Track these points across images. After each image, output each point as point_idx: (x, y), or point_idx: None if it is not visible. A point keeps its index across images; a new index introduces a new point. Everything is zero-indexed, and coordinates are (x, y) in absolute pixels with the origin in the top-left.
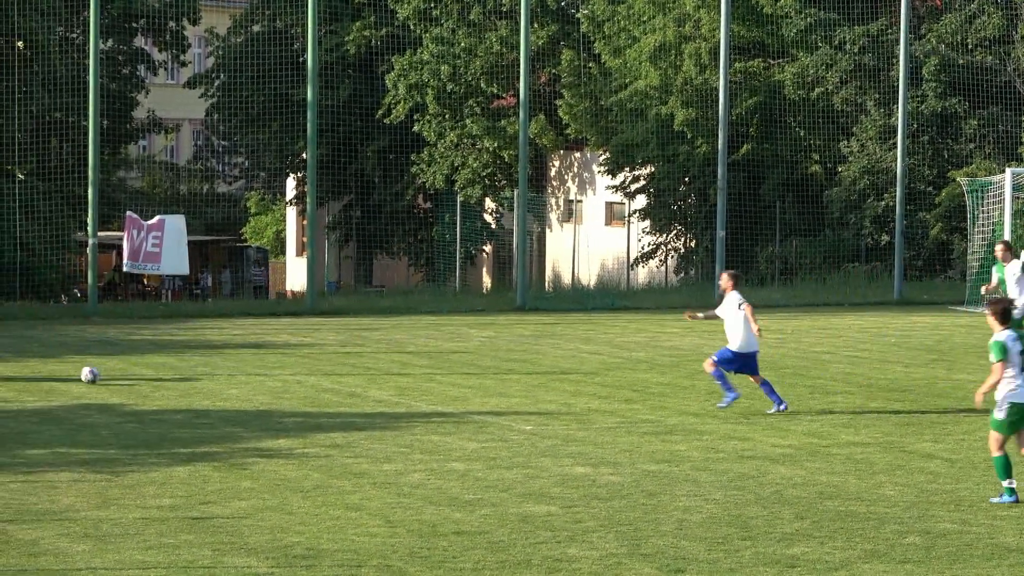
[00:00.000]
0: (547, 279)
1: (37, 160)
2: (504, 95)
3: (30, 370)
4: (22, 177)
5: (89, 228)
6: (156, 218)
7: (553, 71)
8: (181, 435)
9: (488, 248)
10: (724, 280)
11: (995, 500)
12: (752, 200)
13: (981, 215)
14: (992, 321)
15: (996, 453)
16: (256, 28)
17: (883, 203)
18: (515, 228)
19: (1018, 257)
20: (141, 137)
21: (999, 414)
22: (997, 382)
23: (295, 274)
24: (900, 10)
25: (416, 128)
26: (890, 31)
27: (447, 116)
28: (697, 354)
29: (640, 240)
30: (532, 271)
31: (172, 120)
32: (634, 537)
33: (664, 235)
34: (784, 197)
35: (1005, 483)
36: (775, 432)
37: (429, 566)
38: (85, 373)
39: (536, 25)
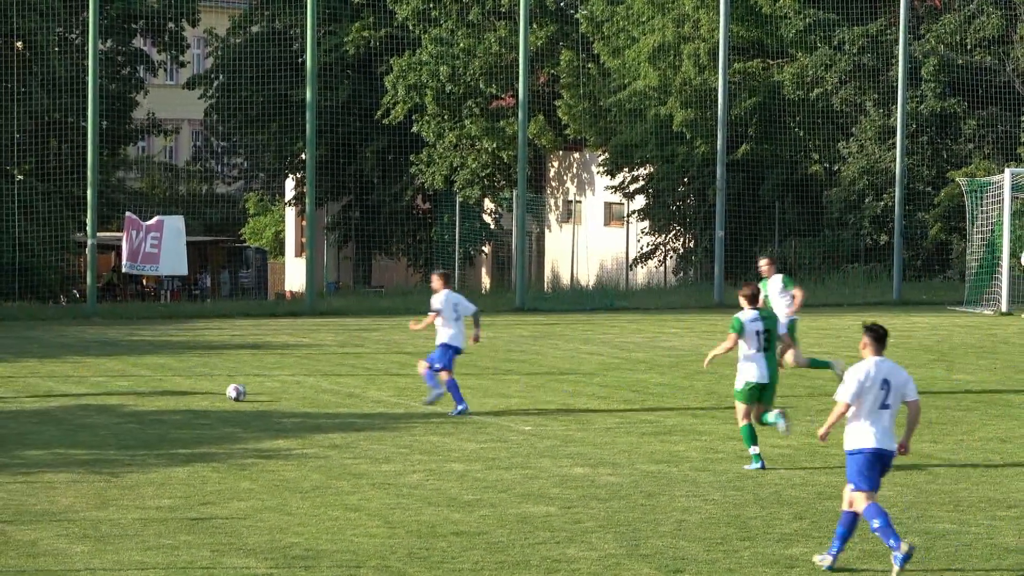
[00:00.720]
0: (546, 279)
1: (36, 161)
2: (503, 96)
3: (29, 371)
4: (21, 177)
5: (88, 229)
6: (155, 219)
7: (552, 71)
8: (180, 436)
9: (487, 249)
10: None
11: (746, 468)
12: (751, 200)
13: (980, 215)
14: (743, 301)
15: (741, 423)
16: (255, 29)
17: (882, 203)
18: (514, 228)
19: (780, 272)
20: (140, 138)
21: (739, 386)
22: (728, 350)
23: (294, 275)
24: (899, 10)
25: (415, 129)
26: (889, 31)
27: (446, 117)
28: (696, 354)
29: (639, 240)
30: (531, 271)
31: (171, 121)
32: (633, 537)
33: (663, 235)
34: (783, 197)
35: (751, 450)
36: (774, 433)
37: (428, 567)
38: (230, 391)
39: (535, 25)
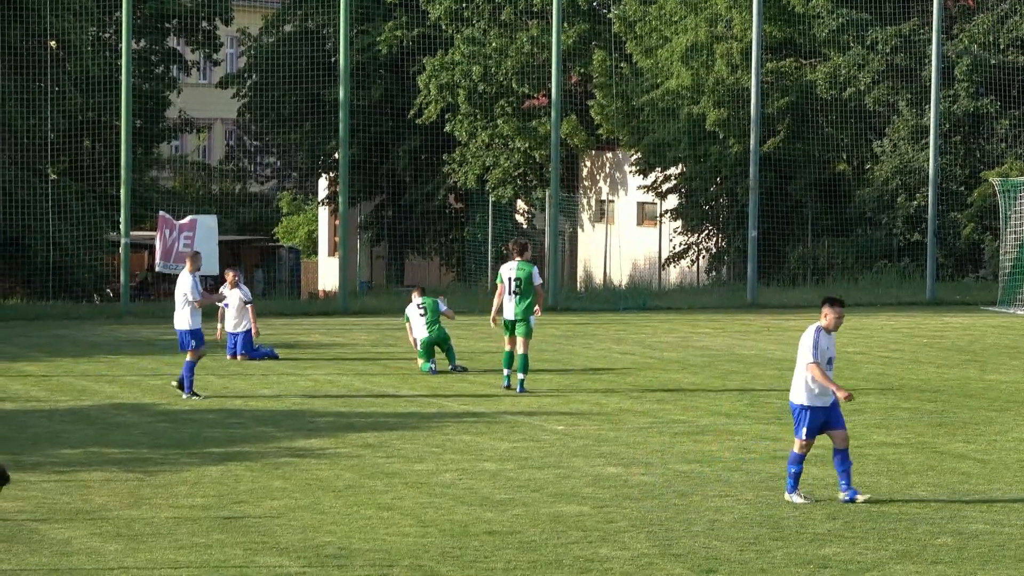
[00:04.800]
0: (579, 279)
1: (70, 160)
2: (535, 95)
3: (63, 369)
4: (55, 177)
5: (121, 228)
6: (188, 218)
7: (584, 71)
8: (213, 435)
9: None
10: None
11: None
12: (783, 200)
13: (1013, 215)
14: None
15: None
16: (288, 28)
17: (915, 203)
18: (547, 228)
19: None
20: (173, 137)
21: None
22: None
23: (327, 274)
24: (932, 10)
25: (448, 128)
26: (922, 31)
27: (478, 116)
28: (729, 354)
29: (672, 240)
30: (564, 271)
31: (204, 120)
32: (665, 537)
33: (695, 235)
34: (816, 197)
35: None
36: None
37: (461, 566)
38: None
39: (567, 25)
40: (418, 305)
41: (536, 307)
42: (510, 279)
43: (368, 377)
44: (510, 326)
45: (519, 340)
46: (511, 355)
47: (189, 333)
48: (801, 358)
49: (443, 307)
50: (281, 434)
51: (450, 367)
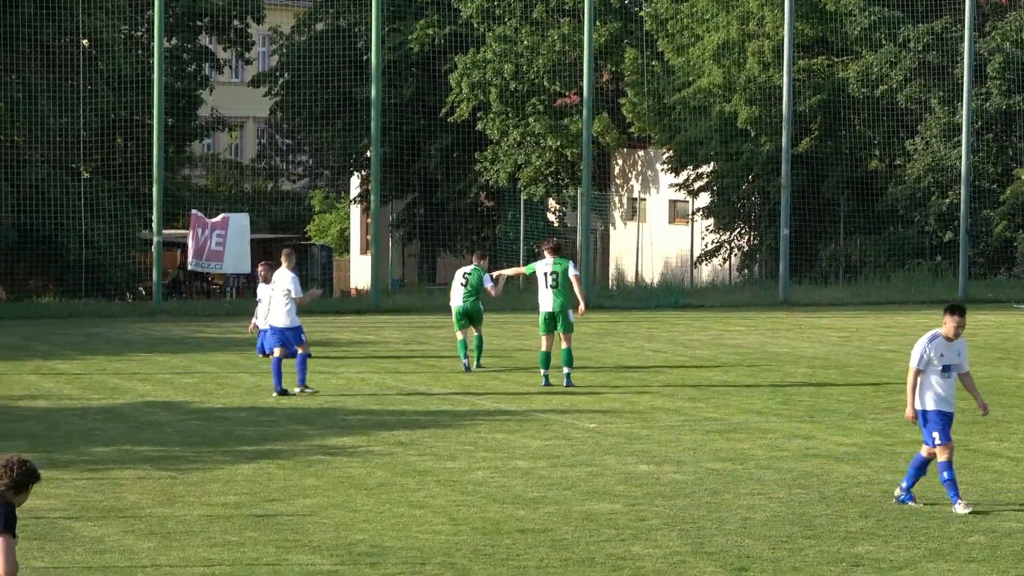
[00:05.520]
0: (611, 277)
1: (102, 158)
2: (567, 93)
3: (96, 367)
4: (87, 175)
5: (154, 226)
6: (220, 216)
7: (616, 69)
8: (245, 433)
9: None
10: None
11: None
12: (815, 198)
13: None
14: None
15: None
16: (320, 27)
17: (947, 201)
18: (579, 226)
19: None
20: (206, 135)
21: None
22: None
23: (359, 272)
24: (964, 8)
25: (479, 126)
26: (954, 29)
27: (510, 114)
28: (761, 352)
29: (703, 238)
30: (596, 269)
31: (236, 118)
32: (698, 535)
33: (727, 233)
34: (848, 195)
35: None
36: (839, 430)
37: (493, 564)
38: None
39: (599, 23)
40: (465, 274)
41: (580, 306)
42: (546, 274)
43: (400, 375)
44: (549, 322)
45: (562, 335)
46: (548, 355)
47: (292, 331)
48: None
49: (488, 283)
50: (313, 432)
51: (476, 365)
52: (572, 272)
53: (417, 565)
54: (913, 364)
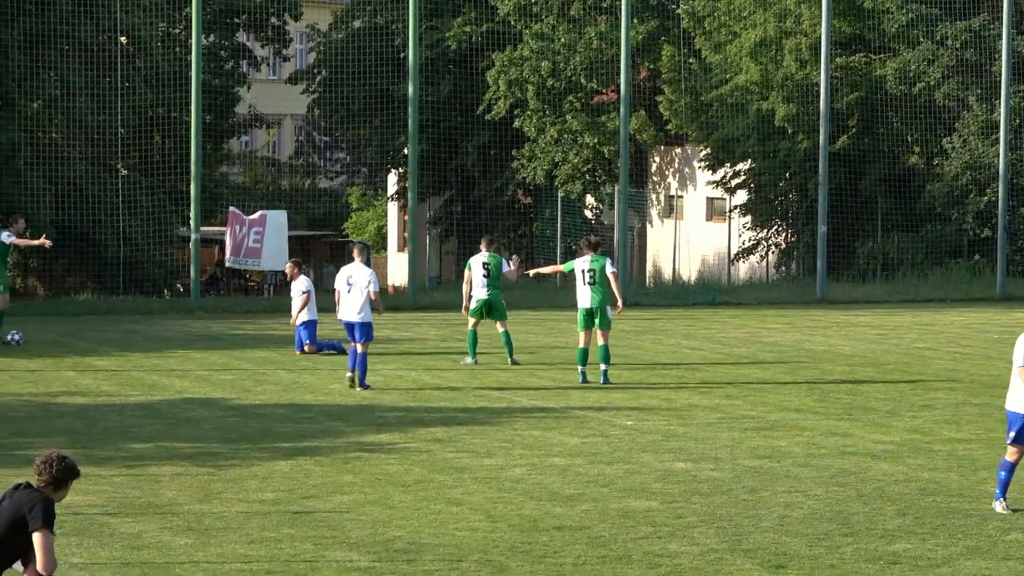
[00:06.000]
0: (648, 275)
1: (140, 155)
2: (604, 91)
3: (133, 364)
4: (125, 172)
5: (191, 223)
6: (258, 213)
7: (653, 66)
8: (283, 429)
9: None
10: None
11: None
12: (852, 195)
13: None
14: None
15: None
16: (357, 24)
17: (985, 198)
18: (616, 224)
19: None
20: (243, 132)
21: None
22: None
23: (396, 269)
24: (1003, 5)
25: (517, 124)
26: (992, 26)
27: (547, 112)
28: (798, 350)
29: (741, 235)
30: (633, 267)
31: (274, 115)
32: (735, 533)
33: (765, 230)
34: (885, 193)
35: (581, 368)
36: (877, 428)
37: (530, 561)
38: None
39: (636, 20)
40: (483, 264)
41: (618, 304)
42: (584, 271)
43: (437, 372)
44: (586, 318)
45: (599, 332)
46: (586, 352)
47: (367, 325)
48: (1014, 362)
49: (507, 267)
50: (350, 429)
51: (510, 362)
52: (610, 269)
53: (454, 562)
54: (1020, 362)
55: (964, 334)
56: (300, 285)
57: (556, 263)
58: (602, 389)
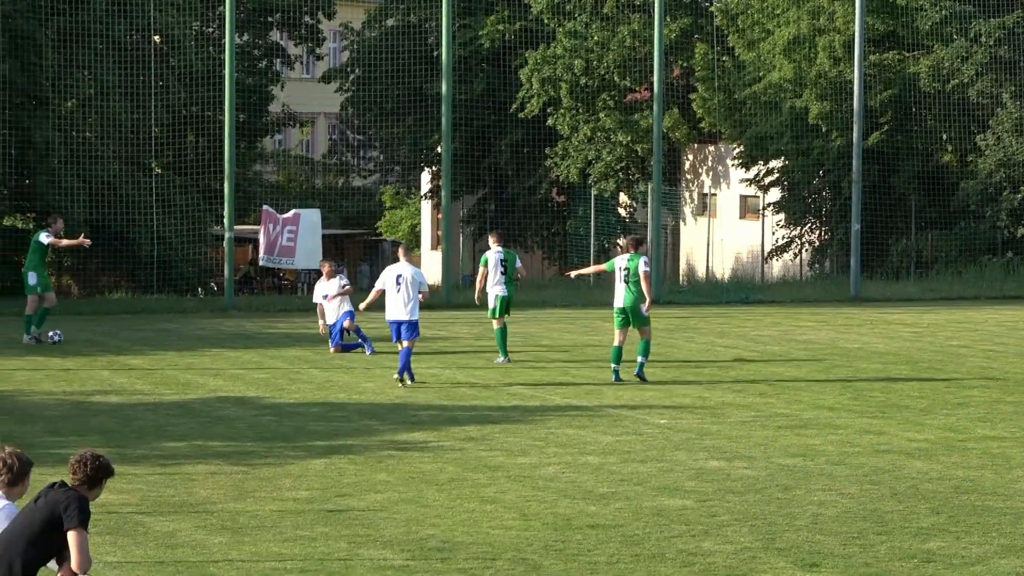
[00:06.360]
0: (681, 273)
1: (174, 154)
2: (638, 89)
3: (167, 363)
4: (159, 171)
5: (225, 222)
6: (292, 212)
7: (686, 64)
8: (317, 428)
9: (622, 242)
10: None
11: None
12: (886, 193)
13: None
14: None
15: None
16: (390, 22)
17: (1019, 196)
18: (649, 222)
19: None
20: (277, 131)
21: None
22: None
23: (430, 267)
24: None
25: (550, 122)
26: None
27: (580, 110)
28: (832, 348)
29: (774, 233)
30: (666, 265)
31: (307, 114)
32: (769, 531)
33: (798, 228)
34: (919, 190)
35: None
36: (911, 426)
37: (563, 559)
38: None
39: (669, 18)
40: (501, 261)
41: (646, 301)
42: (621, 268)
43: (470, 370)
44: (621, 316)
45: (638, 330)
46: (619, 350)
47: (415, 324)
48: None
49: (518, 263)
50: (384, 427)
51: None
52: (643, 268)
53: (488, 560)
54: None
55: (998, 332)
56: (336, 284)
57: (590, 262)
58: (635, 388)
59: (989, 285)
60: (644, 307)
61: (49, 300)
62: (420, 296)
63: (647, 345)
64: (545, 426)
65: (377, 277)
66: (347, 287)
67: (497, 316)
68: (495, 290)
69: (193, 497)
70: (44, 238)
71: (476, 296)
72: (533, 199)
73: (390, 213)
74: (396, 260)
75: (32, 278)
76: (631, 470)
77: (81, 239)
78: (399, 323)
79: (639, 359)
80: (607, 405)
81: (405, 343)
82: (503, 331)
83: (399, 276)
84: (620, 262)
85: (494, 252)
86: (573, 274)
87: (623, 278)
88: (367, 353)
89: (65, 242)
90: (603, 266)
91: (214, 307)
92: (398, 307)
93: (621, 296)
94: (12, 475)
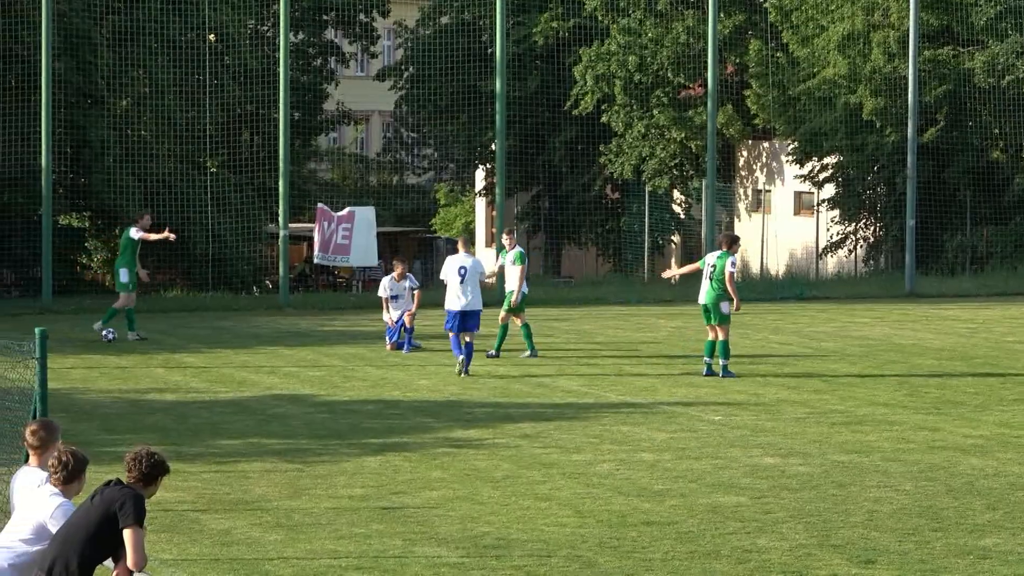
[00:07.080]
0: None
1: (229, 152)
2: (691, 85)
3: (223, 361)
4: (214, 169)
5: (280, 220)
6: (346, 210)
7: (740, 61)
8: (372, 425)
9: (676, 238)
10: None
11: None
12: (940, 189)
13: None
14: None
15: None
16: (444, 20)
17: None
18: (703, 218)
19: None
20: (331, 129)
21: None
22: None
23: (485, 265)
24: None
25: (604, 119)
26: None
27: (634, 107)
28: (887, 344)
29: (829, 229)
30: None
31: (362, 112)
32: (824, 528)
33: (853, 224)
34: (974, 185)
35: (707, 359)
36: (966, 422)
37: (618, 556)
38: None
39: (723, 15)
40: (521, 253)
41: (734, 301)
42: (709, 264)
43: (525, 367)
44: (704, 313)
45: (717, 327)
46: (712, 345)
47: (478, 314)
48: None
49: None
50: (439, 425)
51: (496, 350)
52: (728, 268)
53: (543, 557)
54: None
55: None
56: (407, 284)
57: (643, 258)
58: (690, 385)
59: None
60: (724, 306)
61: (128, 300)
62: (483, 280)
63: (725, 346)
64: (599, 423)
65: (428, 274)
66: (416, 291)
67: (522, 311)
68: (524, 288)
69: (248, 495)
70: (134, 233)
71: (514, 298)
72: (587, 196)
73: (444, 211)
74: (455, 252)
75: (124, 275)
76: (686, 467)
77: (167, 233)
78: (462, 313)
79: (721, 362)
80: (661, 402)
81: (467, 337)
82: (527, 327)
83: (462, 267)
84: (709, 258)
85: (516, 251)
86: (667, 274)
87: (708, 275)
88: (403, 351)
89: (154, 236)
90: (697, 264)
91: (269, 305)
92: (461, 297)
93: (703, 293)
94: (67, 472)
